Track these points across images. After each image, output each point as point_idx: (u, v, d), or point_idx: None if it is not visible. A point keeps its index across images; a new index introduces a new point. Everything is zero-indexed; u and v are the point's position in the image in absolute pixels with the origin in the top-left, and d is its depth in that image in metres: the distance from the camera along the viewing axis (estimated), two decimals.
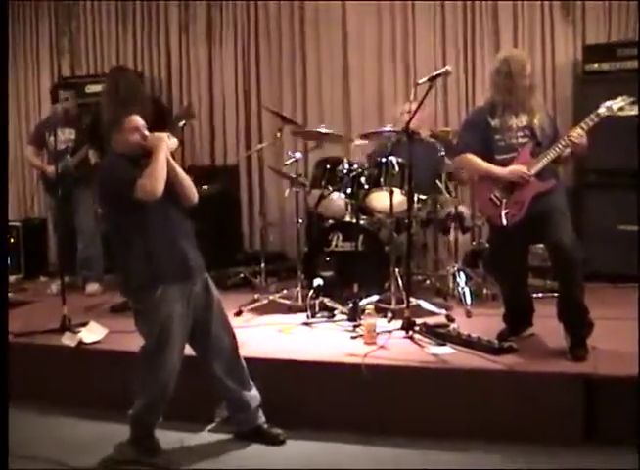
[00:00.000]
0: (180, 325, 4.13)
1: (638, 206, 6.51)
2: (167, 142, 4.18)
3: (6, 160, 6.45)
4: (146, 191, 3.98)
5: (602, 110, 4.65)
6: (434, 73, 5.23)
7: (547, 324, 4.98)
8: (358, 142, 6.57)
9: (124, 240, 4.15)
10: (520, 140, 4.85)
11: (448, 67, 5.38)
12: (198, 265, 4.27)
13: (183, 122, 5.59)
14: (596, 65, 6.87)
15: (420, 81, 5.31)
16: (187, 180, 4.28)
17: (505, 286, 5.27)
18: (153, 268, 4.08)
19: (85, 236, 7.34)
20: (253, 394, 4.42)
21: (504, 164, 4.84)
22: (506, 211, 4.80)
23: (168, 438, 4.38)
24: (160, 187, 4.01)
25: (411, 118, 5.29)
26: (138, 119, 4.24)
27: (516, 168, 4.78)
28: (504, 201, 4.82)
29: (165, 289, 4.07)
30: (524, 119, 4.86)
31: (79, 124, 7.25)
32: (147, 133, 4.21)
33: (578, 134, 4.62)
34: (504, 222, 4.78)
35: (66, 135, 7.26)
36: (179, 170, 4.25)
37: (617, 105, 4.66)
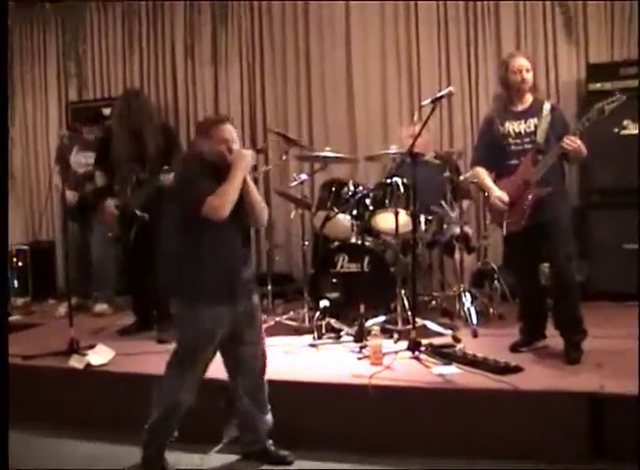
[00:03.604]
0: (211, 345, 4.15)
1: (639, 224, 6.53)
2: (250, 161, 4.11)
3: (6, 176, 6.49)
4: (213, 209, 3.95)
5: (592, 113, 4.75)
6: (438, 95, 5.29)
7: (555, 342, 5.06)
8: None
9: (182, 252, 4.14)
10: (526, 147, 4.99)
11: (451, 88, 5.43)
12: (247, 291, 4.26)
13: None
14: (599, 84, 6.88)
15: (423, 103, 5.36)
16: (261, 203, 4.25)
17: (519, 289, 5.53)
18: (201, 286, 4.07)
19: (100, 256, 7.40)
20: (267, 418, 4.41)
21: (513, 170, 5.02)
22: (508, 220, 5.03)
23: (177, 459, 4.38)
24: (227, 208, 3.97)
25: (415, 140, 5.32)
26: (231, 131, 4.19)
27: (499, 197, 5.02)
28: (506, 211, 5.03)
29: (208, 308, 4.07)
30: (532, 124, 5.00)
31: None
32: (235, 147, 4.15)
33: (570, 140, 4.73)
34: (504, 232, 5.09)
35: (87, 159, 7.31)
36: (254, 191, 4.21)
37: (608, 105, 4.70)
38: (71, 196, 7.43)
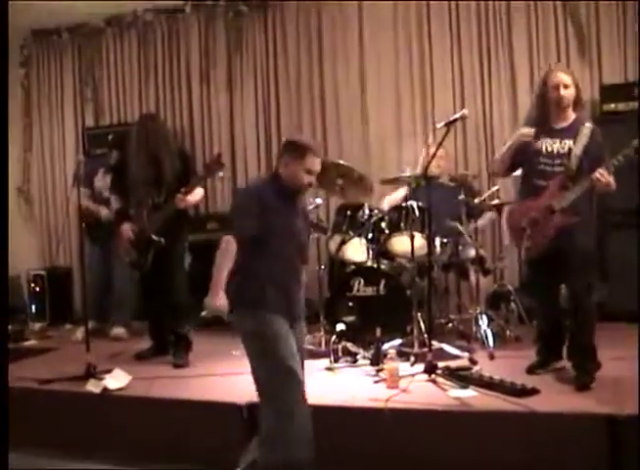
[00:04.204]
0: (290, 342, 4.03)
1: (638, 244, 6.52)
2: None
3: (6, 197, 6.53)
4: (221, 242, 3.97)
5: (629, 150, 4.58)
6: (452, 118, 5.26)
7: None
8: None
9: (242, 263, 4.03)
10: (556, 169, 4.82)
11: (465, 111, 5.37)
12: (298, 314, 4.23)
13: (220, 174, 5.70)
14: (613, 105, 6.88)
15: (438, 126, 5.37)
16: None
17: (536, 309, 5.49)
18: (260, 295, 4.01)
19: (119, 280, 7.47)
20: None
21: (539, 190, 4.87)
22: (528, 243, 4.92)
23: None
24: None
25: (429, 163, 5.33)
26: (318, 165, 4.15)
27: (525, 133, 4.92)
28: (527, 233, 4.91)
29: (269, 314, 4.01)
30: (567, 146, 4.81)
31: None
32: (314, 179, 4.15)
33: (601, 174, 4.57)
34: (523, 256, 5.06)
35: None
36: None
37: None
38: (104, 211, 7.56)
